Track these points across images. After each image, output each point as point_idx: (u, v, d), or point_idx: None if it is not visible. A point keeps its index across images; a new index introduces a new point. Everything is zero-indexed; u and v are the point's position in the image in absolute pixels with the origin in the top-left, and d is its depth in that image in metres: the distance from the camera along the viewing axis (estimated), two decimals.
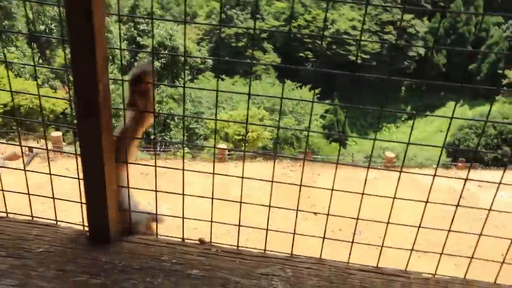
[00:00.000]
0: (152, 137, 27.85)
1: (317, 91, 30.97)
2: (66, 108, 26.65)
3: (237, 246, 1.48)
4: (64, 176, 1.47)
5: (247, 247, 1.49)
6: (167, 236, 1.50)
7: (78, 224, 1.50)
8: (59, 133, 11.61)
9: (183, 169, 1.42)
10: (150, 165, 1.52)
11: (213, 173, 1.43)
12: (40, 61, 32.01)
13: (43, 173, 1.54)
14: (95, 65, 1.20)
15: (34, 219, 1.53)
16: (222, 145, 10.94)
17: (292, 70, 39.44)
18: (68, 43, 1.20)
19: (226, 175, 1.43)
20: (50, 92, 23.43)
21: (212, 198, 1.49)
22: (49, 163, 1.54)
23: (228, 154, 10.56)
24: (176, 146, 25.00)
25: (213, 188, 1.45)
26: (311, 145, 28.14)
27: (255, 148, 20.47)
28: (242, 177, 1.44)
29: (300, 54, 44.60)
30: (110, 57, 32.74)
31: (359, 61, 43.76)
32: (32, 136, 20.91)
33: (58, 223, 1.52)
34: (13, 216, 1.54)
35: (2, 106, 22.68)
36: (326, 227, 1.61)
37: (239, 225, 1.51)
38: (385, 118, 47.09)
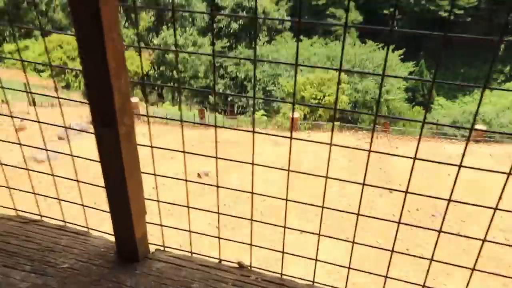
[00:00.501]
0: (229, 99, 28.28)
1: (400, 51, 28.93)
2: (148, 71, 27.88)
3: (281, 274, 1.26)
4: (90, 184, 1.33)
5: (292, 276, 1.27)
6: (203, 255, 1.32)
7: (110, 234, 1.38)
8: (135, 99, 11.94)
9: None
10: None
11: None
12: (126, 24, 33.39)
13: (70, 178, 1.42)
14: (107, 69, 1.01)
15: (67, 225, 1.43)
16: (295, 113, 10.53)
17: (374, 29, 37.06)
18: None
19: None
20: (135, 55, 24.42)
21: (252, 220, 1.27)
22: (74, 165, 1.41)
23: (302, 122, 10.20)
24: (252, 108, 25.08)
25: (252, 210, 1.22)
26: (392, 109, 26.64)
27: (332, 114, 19.84)
28: (286, 199, 1.21)
29: (385, 12, 41.77)
30: (190, 19, 33.25)
31: (451, 17, 39.91)
32: None
33: (90, 231, 1.41)
34: (47, 220, 1.45)
35: None
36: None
37: (283, 252, 1.28)
38: (477, 80, 43.03)
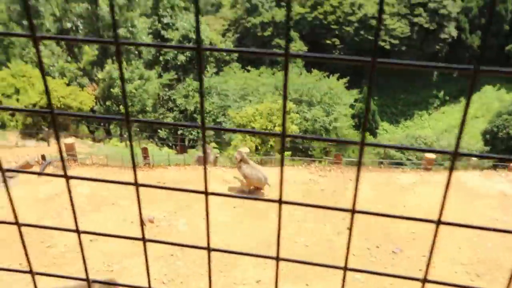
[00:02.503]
0: (179, 132, 27.82)
1: (345, 80, 30.01)
2: (93, 106, 26.89)
3: None
4: None
5: None
6: None
7: None
8: (71, 140, 11.06)
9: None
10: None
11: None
12: (69, 58, 32.35)
13: None
14: None
15: None
16: (245, 147, 10.33)
17: (320, 59, 38.31)
18: None
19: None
20: (77, 90, 23.55)
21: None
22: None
23: (252, 156, 9.99)
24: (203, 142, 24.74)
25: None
26: (340, 136, 27.32)
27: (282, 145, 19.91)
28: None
29: (327, 41, 43.50)
30: (136, 52, 32.74)
31: (387, 46, 42.29)
32: (63, 134, 21.06)
33: None
34: None
35: (32, 105, 23.03)
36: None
37: None
38: (416, 105, 45.56)
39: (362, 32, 43.11)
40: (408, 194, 8.19)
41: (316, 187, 8.48)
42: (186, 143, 27.07)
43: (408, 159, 25.50)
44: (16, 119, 21.05)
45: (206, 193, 0.84)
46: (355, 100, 34.50)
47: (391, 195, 8.08)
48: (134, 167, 0.94)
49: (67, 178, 0.90)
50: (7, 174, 9.92)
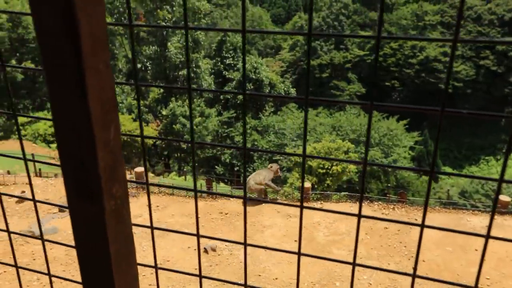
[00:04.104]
0: (236, 169, 28.17)
1: (405, 121, 29.24)
2: (156, 141, 28.12)
3: None
4: (65, 279, 1.06)
5: None
6: None
7: None
8: (142, 169, 11.69)
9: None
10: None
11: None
12: (135, 96, 34.36)
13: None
14: (88, 113, 0.72)
15: None
16: (306, 182, 10.29)
17: (378, 99, 37.93)
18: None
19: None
20: (143, 125, 24.82)
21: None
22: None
23: (312, 192, 9.89)
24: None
25: None
26: (400, 179, 26.31)
27: (339, 183, 19.54)
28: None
29: (386, 83, 43.07)
30: (198, 91, 34.21)
31: (450, 90, 41.00)
32: (126, 167, 22.05)
33: None
34: None
35: None
36: None
37: None
38: (482, 150, 43.13)
39: (423, 75, 42.29)
40: (480, 237, 7.55)
41: (379, 224, 8.13)
42: (241, 179, 27.31)
43: (472, 206, 23.94)
44: None
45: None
46: (416, 143, 33.33)
47: (461, 238, 7.54)
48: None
49: (196, 192, 1.06)
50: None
